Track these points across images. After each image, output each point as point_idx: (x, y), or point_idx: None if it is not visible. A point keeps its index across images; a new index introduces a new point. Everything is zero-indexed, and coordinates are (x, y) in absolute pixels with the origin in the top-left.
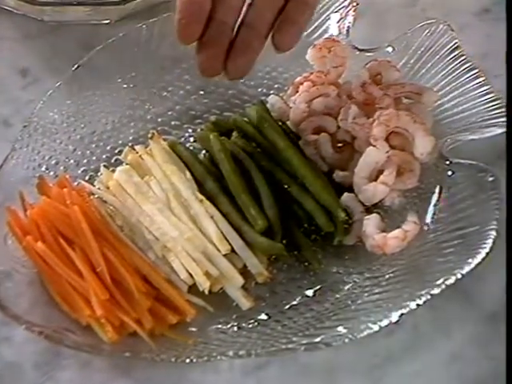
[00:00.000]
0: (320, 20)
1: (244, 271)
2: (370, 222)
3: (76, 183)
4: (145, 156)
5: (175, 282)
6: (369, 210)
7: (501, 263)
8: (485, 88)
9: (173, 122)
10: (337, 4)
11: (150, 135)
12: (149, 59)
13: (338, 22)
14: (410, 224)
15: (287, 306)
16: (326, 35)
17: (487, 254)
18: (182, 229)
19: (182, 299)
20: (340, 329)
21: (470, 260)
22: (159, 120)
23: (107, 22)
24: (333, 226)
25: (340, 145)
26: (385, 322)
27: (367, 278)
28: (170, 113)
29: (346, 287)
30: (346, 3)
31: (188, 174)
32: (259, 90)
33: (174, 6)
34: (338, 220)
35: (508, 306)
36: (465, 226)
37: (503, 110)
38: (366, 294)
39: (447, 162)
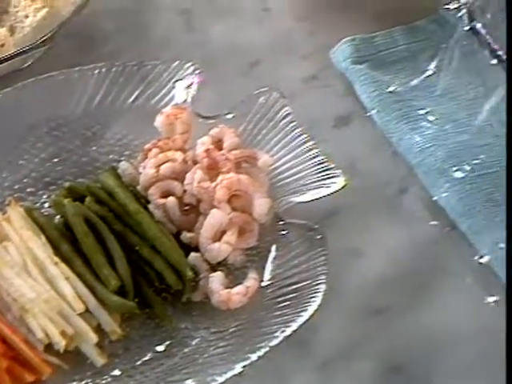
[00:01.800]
0: (167, 88)
1: (98, 329)
2: (215, 279)
3: None
4: (2, 222)
5: (32, 342)
6: (214, 267)
7: (331, 313)
8: (313, 152)
9: (29, 189)
10: (181, 72)
11: (7, 202)
12: (4, 128)
13: (183, 89)
14: (250, 280)
15: (139, 362)
16: (173, 102)
17: (318, 306)
18: (39, 290)
19: (38, 358)
20: (189, 382)
21: (303, 313)
22: (16, 187)
23: None
24: (181, 284)
25: (186, 207)
26: (229, 374)
27: (213, 332)
28: (25, 180)
29: (194, 342)
30: (189, 71)
31: (43, 238)
32: (110, 156)
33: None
34: (186, 278)
35: (508, 314)
36: (298, 280)
37: (329, 172)
38: (212, 348)
39: (281, 222)
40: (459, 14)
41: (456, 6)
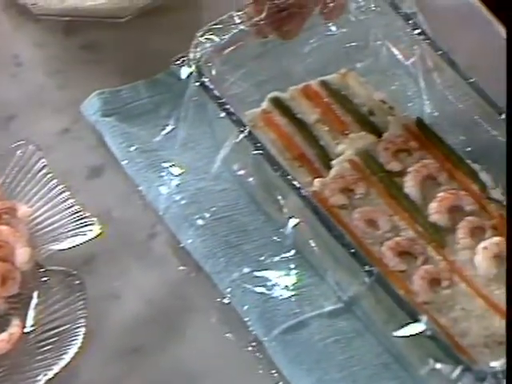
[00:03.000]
0: None
1: None
2: None
3: None
4: None
5: None
6: None
7: (92, 355)
8: (69, 202)
9: None
10: None
11: None
12: None
13: None
14: (14, 327)
15: None
16: None
17: (79, 348)
18: None
19: None
20: None
21: (64, 356)
22: None
23: None
24: None
25: None
26: None
27: None
28: None
29: None
30: None
31: None
32: None
33: None
34: None
35: (508, 314)
36: (59, 325)
37: (85, 220)
38: None
39: (42, 270)
40: (190, 70)
41: (185, 62)
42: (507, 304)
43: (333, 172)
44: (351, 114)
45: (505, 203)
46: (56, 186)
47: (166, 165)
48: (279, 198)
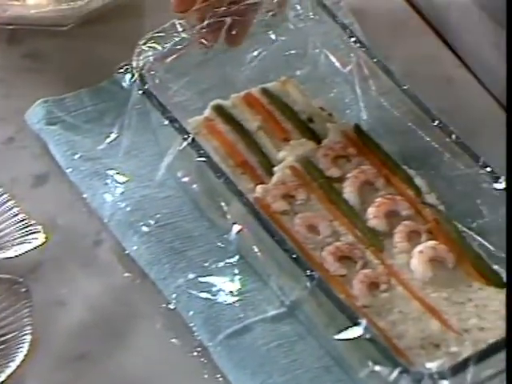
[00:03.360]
0: None
1: None
2: None
3: None
4: None
5: None
6: None
7: (38, 362)
8: (14, 210)
9: None
10: None
11: None
12: None
13: None
14: None
15: None
16: None
17: (25, 356)
18: None
19: None
20: None
21: (10, 363)
22: None
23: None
24: None
25: None
26: None
27: None
28: None
29: None
30: None
31: None
32: None
33: None
34: None
35: (508, 315)
36: (5, 333)
37: (31, 228)
38: None
39: None
40: (133, 79)
41: (128, 70)
42: (507, 304)
43: (274, 178)
44: (291, 121)
45: (439, 207)
46: (1, 195)
47: (110, 172)
48: (223, 204)
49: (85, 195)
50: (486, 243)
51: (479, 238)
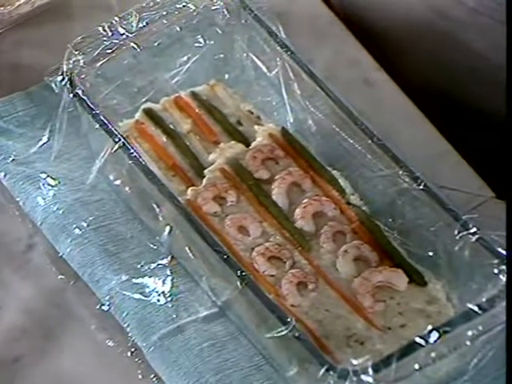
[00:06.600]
0: None
1: None
2: None
3: None
4: None
5: None
6: None
7: None
8: None
9: None
10: None
11: None
12: None
13: None
14: None
15: None
16: None
17: None
18: None
19: None
20: None
21: None
22: None
23: None
24: None
25: None
26: None
27: None
28: None
29: None
30: None
31: None
32: None
33: None
34: None
35: (508, 310)
36: None
37: None
38: None
39: None
40: (63, 82)
41: (59, 74)
42: (507, 303)
43: (205, 181)
44: (221, 124)
45: (363, 208)
46: None
47: (42, 176)
48: (155, 206)
49: (17, 199)
50: (406, 242)
51: (400, 238)
